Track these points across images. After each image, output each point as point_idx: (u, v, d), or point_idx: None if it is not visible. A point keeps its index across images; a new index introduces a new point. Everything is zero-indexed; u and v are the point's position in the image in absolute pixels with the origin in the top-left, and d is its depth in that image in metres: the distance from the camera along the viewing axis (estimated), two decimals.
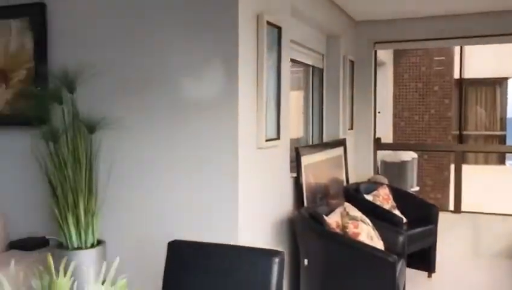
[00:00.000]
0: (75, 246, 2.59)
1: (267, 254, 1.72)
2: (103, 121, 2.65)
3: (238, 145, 2.62)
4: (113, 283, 1.14)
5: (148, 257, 2.63)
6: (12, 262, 1.11)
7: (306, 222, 3.07)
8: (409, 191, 6.29)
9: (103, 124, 2.65)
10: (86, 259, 2.53)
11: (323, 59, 4.71)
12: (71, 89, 2.61)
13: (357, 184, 4.52)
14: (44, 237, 3.01)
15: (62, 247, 2.62)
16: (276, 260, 1.68)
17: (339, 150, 4.59)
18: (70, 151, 2.58)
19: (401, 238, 3.37)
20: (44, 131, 2.59)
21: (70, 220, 2.56)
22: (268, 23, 2.90)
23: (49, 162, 2.61)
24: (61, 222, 2.58)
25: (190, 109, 2.69)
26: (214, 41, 2.64)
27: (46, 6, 2.99)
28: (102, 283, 1.12)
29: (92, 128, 2.62)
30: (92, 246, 2.63)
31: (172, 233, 2.59)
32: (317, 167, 3.95)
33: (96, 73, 2.74)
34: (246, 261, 1.73)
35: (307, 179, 3.63)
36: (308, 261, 3.00)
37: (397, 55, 8.76)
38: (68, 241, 2.59)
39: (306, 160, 3.65)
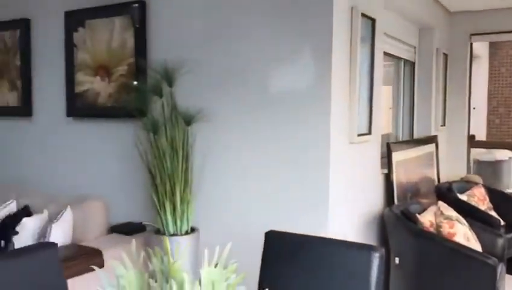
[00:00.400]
0: (171, 232, 2.71)
1: (367, 249, 1.69)
2: (199, 114, 2.75)
3: (329, 139, 2.60)
4: (225, 267, 1.17)
5: (240, 246, 2.68)
6: (134, 242, 1.18)
7: (398, 219, 2.98)
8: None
9: (199, 117, 2.75)
10: (181, 245, 2.65)
11: (415, 52, 4.53)
12: (170, 83, 2.73)
13: (450, 183, 4.31)
14: (141, 223, 3.18)
15: (159, 233, 2.76)
16: (377, 255, 1.65)
17: (430, 147, 4.40)
18: (169, 142, 2.70)
19: (500, 241, 3.17)
20: (145, 122, 2.73)
21: (168, 208, 2.69)
22: (363, 14, 2.84)
23: (150, 152, 2.75)
24: (159, 209, 2.71)
25: (281, 102, 2.70)
26: (306, 34, 2.62)
27: (146, 4, 3.14)
28: (215, 266, 1.16)
29: (189, 120, 2.73)
30: (187, 233, 2.75)
31: (263, 223, 2.62)
32: (408, 164, 3.81)
33: (192, 68, 2.85)
34: (344, 255, 1.71)
35: (397, 176, 3.52)
36: (400, 260, 2.91)
37: (493, 48, 8.21)
38: (165, 228, 2.72)
39: (397, 156, 3.54)
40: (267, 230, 1.89)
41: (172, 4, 3.06)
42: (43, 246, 1.63)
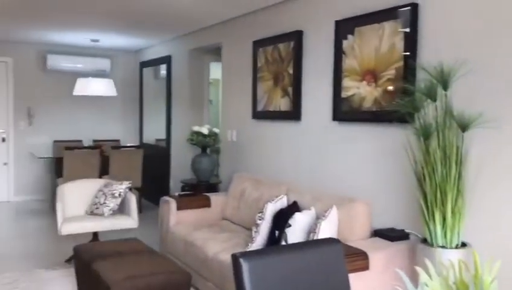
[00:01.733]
0: (440, 244, 2.56)
1: None
2: (478, 119, 2.52)
3: None
4: None
5: None
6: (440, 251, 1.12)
7: None
8: None
9: (478, 123, 2.52)
10: (449, 259, 2.46)
11: None
12: (445, 86, 2.59)
13: None
14: (403, 230, 3.10)
15: (425, 243, 2.64)
16: None
17: None
18: (441, 148, 2.56)
19: None
20: (417, 127, 2.65)
21: (437, 218, 2.55)
22: None
23: (419, 158, 2.66)
24: (427, 217, 2.59)
25: None
26: None
27: (419, 6, 3.05)
28: None
29: (465, 126, 2.53)
30: (457, 247, 2.56)
31: None
32: None
33: (470, 69, 2.64)
34: None
35: None
36: None
37: None
38: (433, 239, 2.58)
39: None
40: None
41: (446, 4, 2.89)
42: (329, 241, 1.73)
